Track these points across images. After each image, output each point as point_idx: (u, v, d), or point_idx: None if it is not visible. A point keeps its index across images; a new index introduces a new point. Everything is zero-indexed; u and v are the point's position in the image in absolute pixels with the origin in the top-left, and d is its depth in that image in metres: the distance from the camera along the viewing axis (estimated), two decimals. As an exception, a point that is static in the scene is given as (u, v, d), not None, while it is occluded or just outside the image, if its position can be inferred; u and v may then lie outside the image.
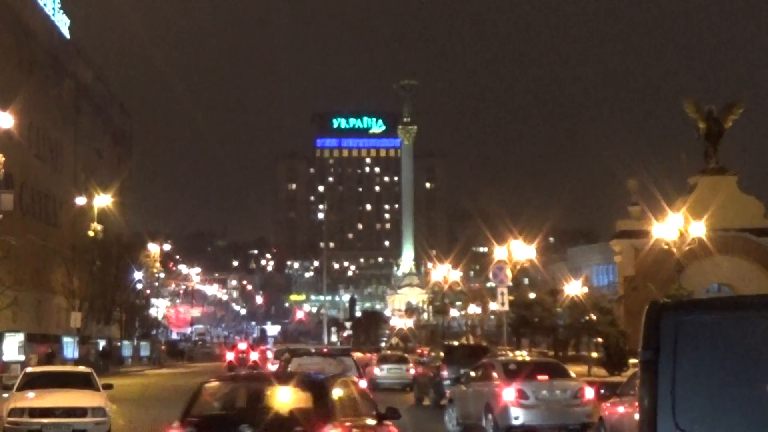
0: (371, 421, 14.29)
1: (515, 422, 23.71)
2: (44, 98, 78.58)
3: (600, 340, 55.15)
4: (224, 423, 13.54)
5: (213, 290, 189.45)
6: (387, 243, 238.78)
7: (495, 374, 25.10)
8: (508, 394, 23.84)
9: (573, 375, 26.55)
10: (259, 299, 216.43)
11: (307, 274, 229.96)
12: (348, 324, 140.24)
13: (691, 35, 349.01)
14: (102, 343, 76.71)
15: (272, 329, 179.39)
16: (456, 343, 60.50)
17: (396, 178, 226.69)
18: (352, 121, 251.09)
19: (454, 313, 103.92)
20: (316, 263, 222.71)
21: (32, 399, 22.65)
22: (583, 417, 24.03)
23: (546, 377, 24.75)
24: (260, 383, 15.08)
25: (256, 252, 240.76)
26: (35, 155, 77.40)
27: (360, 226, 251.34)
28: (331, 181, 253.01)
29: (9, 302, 57.55)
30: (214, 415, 13.87)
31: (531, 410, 23.82)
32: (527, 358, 31.78)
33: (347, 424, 13.15)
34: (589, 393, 24.40)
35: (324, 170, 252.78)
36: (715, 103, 63.25)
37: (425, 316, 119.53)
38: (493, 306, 68.02)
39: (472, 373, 26.96)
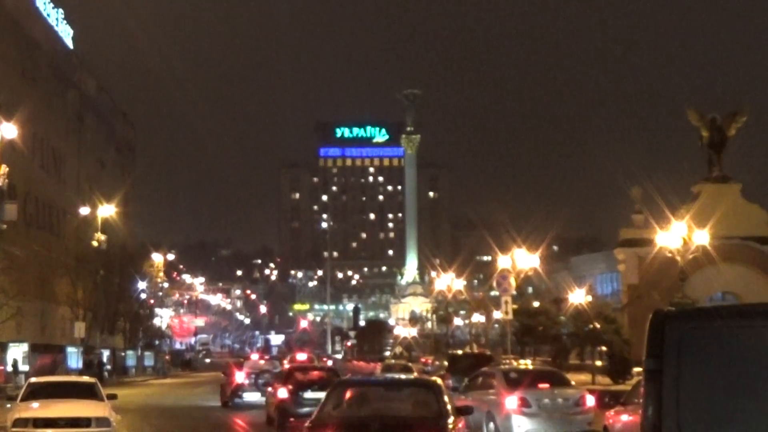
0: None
1: (518, 430, 23.84)
2: (48, 109, 78.68)
3: (604, 348, 55.06)
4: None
5: (217, 300, 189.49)
6: (391, 252, 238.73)
7: (496, 383, 25.23)
8: (511, 402, 23.95)
9: (573, 383, 26.70)
10: (263, 309, 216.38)
11: (311, 284, 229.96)
12: (352, 333, 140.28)
13: (695, 43, 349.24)
14: (105, 353, 76.66)
15: (276, 339, 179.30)
16: (460, 352, 60.29)
17: (399, 188, 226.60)
18: (356, 131, 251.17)
19: (457, 321, 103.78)
20: (319, 272, 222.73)
21: (36, 409, 22.60)
22: (585, 425, 24.15)
23: (547, 385, 24.85)
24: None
25: (259, 262, 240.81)
26: (39, 166, 77.46)
27: (363, 236, 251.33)
28: (335, 191, 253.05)
29: (13, 312, 57.55)
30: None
31: (534, 418, 23.93)
32: (530, 367, 31.82)
33: None
34: (590, 401, 24.53)
35: (327, 180, 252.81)
36: (719, 112, 63.18)
37: (429, 325, 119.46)
38: (497, 315, 67.91)
39: (471, 382, 27.08)
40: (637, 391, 18.63)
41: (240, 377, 41.28)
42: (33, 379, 25.54)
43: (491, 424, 24.37)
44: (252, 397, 39.60)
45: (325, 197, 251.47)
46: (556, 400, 24.36)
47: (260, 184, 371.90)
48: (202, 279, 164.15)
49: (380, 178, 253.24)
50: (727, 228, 57.45)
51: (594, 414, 24.29)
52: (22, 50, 74.60)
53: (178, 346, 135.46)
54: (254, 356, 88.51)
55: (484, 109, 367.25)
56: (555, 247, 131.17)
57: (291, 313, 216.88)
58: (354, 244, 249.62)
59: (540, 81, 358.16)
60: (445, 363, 39.66)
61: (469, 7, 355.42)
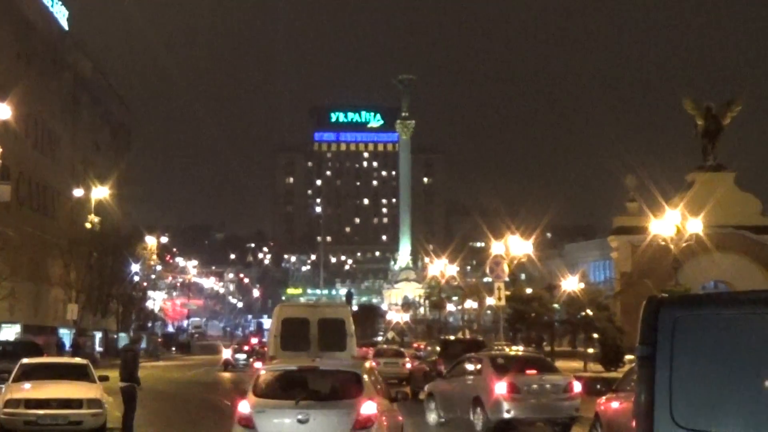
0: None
1: (507, 415, 23.92)
2: (43, 90, 78.40)
3: (596, 335, 55.16)
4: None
5: (210, 283, 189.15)
6: (384, 237, 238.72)
7: (484, 369, 25.30)
8: (500, 387, 24.03)
9: (559, 369, 26.91)
10: (255, 293, 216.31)
11: (305, 268, 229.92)
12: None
13: (690, 32, 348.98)
14: (98, 335, 76.43)
15: (269, 323, 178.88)
16: (452, 337, 60.40)
17: (394, 173, 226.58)
18: (350, 115, 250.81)
19: (450, 307, 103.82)
20: (313, 257, 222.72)
21: (28, 390, 22.57)
22: (572, 410, 24.36)
23: (535, 371, 24.98)
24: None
25: (253, 245, 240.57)
26: (33, 147, 77.24)
27: (357, 221, 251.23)
28: (329, 175, 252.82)
29: (6, 294, 57.52)
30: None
31: (522, 404, 24.05)
32: (520, 353, 31.95)
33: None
34: (577, 387, 24.69)
35: (322, 164, 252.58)
36: (714, 101, 63.24)
37: (422, 310, 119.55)
38: (490, 301, 68.08)
39: (455, 368, 27.19)
40: (629, 377, 18.68)
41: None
42: (25, 360, 25.47)
43: (478, 409, 24.45)
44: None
45: (319, 182, 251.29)
46: (544, 386, 24.51)
47: (255, 168, 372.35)
48: (195, 262, 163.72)
49: (374, 163, 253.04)
50: (721, 217, 57.56)
51: (581, 400, 24.44)
52: (17, 31, 74.34)
53: (170, 329, 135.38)
54: (254, 339, 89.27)
55: (479, 96, 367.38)
56: (549, 234, 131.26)
57: (284, 297, 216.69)
58: (348, 229, 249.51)
59: (536, 68, 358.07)
60: (438, 348, 39.64)
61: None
